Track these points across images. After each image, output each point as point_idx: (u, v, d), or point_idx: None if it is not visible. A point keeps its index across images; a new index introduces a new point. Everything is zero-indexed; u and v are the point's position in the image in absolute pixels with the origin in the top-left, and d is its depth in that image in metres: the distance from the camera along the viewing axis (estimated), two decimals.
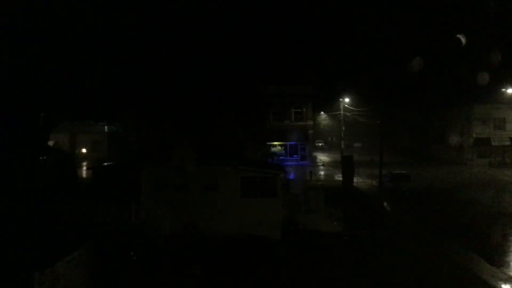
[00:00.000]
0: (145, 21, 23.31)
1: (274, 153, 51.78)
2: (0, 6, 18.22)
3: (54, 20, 19.37)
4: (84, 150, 55.38)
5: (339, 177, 38.99)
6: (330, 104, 61.98)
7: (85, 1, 20.71)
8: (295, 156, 52.79)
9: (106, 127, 54.96)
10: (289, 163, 48.54)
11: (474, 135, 51.31)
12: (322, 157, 61.62)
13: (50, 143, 35.59)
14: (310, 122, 54.30)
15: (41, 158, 23.55)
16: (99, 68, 22.44)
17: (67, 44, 20.42)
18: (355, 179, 36.16)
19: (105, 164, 25.30)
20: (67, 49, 20.54)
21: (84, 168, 40.53)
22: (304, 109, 53.59)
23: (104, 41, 21.96)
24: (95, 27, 20.98)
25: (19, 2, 18.69)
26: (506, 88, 50.14)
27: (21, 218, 16.66)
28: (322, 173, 45.43)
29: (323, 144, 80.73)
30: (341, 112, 53.84)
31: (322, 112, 75.27)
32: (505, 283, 15.40)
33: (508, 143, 50.80)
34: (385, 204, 29.47)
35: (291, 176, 39.62)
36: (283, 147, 53.09)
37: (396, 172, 35.28)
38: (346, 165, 35.23)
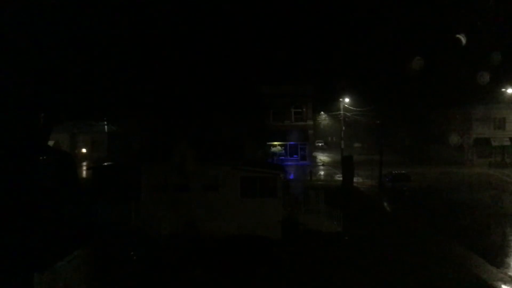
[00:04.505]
0: (145, 21, 23.32)
1: (274, 153, 51.73)
2: (0, 6, 18.24)
3: (54, 21, 19.38)
4: (84, 150, 55.33)
5: (339, 177, 38.98)
6: (330, 104, 61.89)
7: (85, 1, 20.72)
8: (295, 156, 52.75)
9: (106, 127, 54.90)
10: (289, 163, 48.49)
11: (474, 135, 51.28)
12: (322, 157, 61.62)
13: (50, 143, 35.55)
14: (310, 122, 54.27)
15: (41, 158, 23.53)
16: (99, 68, 22.45)
17: (68, 45, 20.42)
18: (355, 179, 36.15)
19: (105, 164, 25.28)
20: (67, 49, 20.55)
21: (84, 168, 40.53)
22: (304, 109, 53.56)
23: (104, 41, 21.96)
24: (95, 27, 20.99)
25: (19, 2, 18.71)
26: (506, 88, 50.09)
27: (21, 218, 16.65)
28: (322, 173, 45.43)
29: (323, 144, 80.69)
30: (341, 112, 53.82)
31: (322, 112, 75.18)
32: (505, 283, 15.40)
33: (508, 143, 50.76)
34: (385, 204, 29.47)
35: (291, 176, 39.60)
36: (283, 147, 53.06)
37: (396, 172, 35.27)
38: (346, 165, 35.22)
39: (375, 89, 46.92)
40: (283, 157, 51.61)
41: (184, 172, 19.85)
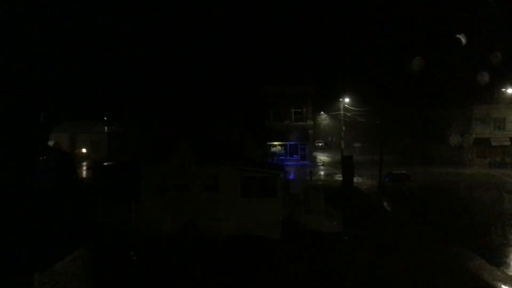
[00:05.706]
0: (146, 22, 23.35)
1: (274, 153, 51.76)
2: (0, 6, 18.24)
3: (55, 21, 19.39)
4: (84, 150, 55.35)
5: (339, 177, 38.96)
6: (330, 104, 61.97)
7: (86, 2, 20.73)
8: (295, 156, 52.77)
9: (106, 127, 54.95)
10: (289, 163, 48.51)
11: (474, 135, 51.30)
12: (322, 157, 61.59)
13: (50, 143, 35.54)
14: (310, 122, 54.29)
15: (41, 158, 23.53)
16: (99, 69, 22.47)
17: (68, 45, 20.44)
18: (355, 179, 36.12)
19: (105, 164, 25.28)
20: (67, 49, 20.56)
21: (84, 168, 40.52)
22: (304, 109, 53.57)
23: (104, 42, 21.98)
24: (96, 28, 21.01)
25: (20, 2, 18.71)
26: (506, 88, 50.10)
27: (21, 218, 16.66)
28: (322, 173, 45.41)
29: (323, 144, 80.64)
30: (341, 112, 53.81)
31: (322, 112, 75.18)
32: (505, 283, 15.40)
33: (508, 143, 50.76)
34: (385, 204, 29.46)
35: (291, 176, 39.60)
36: (283, 147, 53.08)
37: (396, 172, 35.26)
38: (346, 165, 35.18)
39: (375, 89, 46.95)
40: (283, 157, 51.64)
41: (184, 172, 19.85)
